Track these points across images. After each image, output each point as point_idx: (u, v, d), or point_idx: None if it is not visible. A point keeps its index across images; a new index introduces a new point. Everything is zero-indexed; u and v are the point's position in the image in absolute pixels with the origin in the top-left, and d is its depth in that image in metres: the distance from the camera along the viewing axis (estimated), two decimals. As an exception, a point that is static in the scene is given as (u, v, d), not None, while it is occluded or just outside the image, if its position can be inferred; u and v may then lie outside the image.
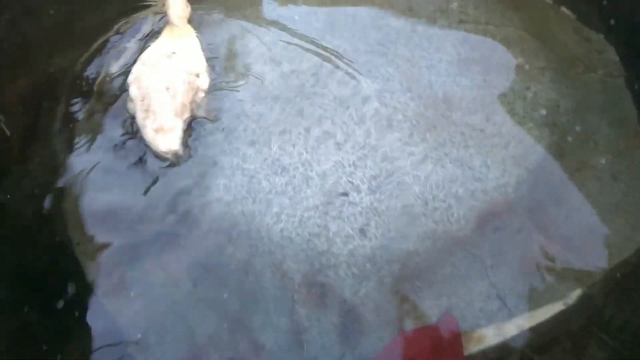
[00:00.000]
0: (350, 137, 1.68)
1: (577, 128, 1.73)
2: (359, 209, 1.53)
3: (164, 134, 1.60)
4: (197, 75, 1.72)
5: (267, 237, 1.49)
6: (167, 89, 1.65)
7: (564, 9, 2.09)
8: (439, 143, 1.68)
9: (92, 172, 1.60)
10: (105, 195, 1.56)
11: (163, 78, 1.67)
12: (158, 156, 1.63)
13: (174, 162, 1.63)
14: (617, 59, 1.91)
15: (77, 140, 1.67)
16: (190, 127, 1.71)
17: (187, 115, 1.67)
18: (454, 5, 2.06)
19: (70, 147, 1.65)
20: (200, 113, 1.72)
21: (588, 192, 1.59)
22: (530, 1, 2.12)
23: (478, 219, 1.54)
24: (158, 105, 1.63)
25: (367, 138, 1.68)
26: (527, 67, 1.89)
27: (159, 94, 1.64)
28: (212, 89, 1.79)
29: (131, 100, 1.68)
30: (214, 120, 1.72)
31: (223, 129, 1.70)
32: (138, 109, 1.65)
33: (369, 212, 1.53)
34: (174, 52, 1.73)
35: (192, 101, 1.70)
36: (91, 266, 1.44)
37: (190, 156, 1.66)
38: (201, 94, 1.74)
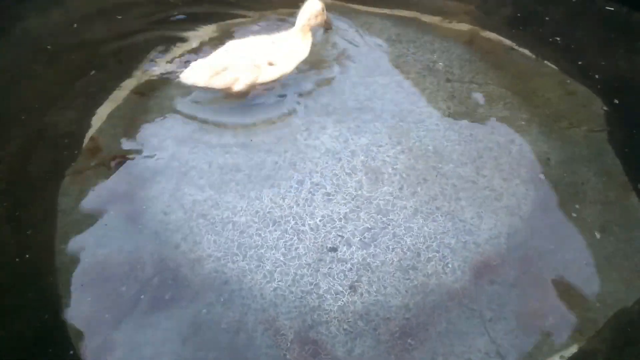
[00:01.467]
0: (341, 189, 1.70)
1: (566, 180, 1.76)
2: (349, 265, 1.53)
3: (191, 69, 1.93)
4: (270, 64, 1.94)
5: (260, 295, 1.46)
6: (226, 51, 1.94)
7: (547, 62, 2.18)
8: (430, 197, 1.71)
9: (83, 226, 1.60)
10: (94, 251, 1.55)
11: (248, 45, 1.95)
12: None
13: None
14: (602, 111, 1.98)
15: (68, 193, 1.69)
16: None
17: (215, 77, 1.89)
18: (440, 65, 2.17)
19: (61, 201, 1.67)
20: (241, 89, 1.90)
21: (580, 245, 1.59)
22: (513, 58, 2.21)
23: (473, 270, 1.53)
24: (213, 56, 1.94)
25: (358, 190, 1.70)
26: (510, 121, 1.94)
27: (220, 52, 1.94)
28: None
29: None
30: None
31: (213, 184, 1.71)
32: None
33: (360, 268, 1.52)
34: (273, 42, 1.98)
35: (254, 79, 1.92)
36: (78, 328, 1.41)
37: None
38: (259, 79, 1.91)
